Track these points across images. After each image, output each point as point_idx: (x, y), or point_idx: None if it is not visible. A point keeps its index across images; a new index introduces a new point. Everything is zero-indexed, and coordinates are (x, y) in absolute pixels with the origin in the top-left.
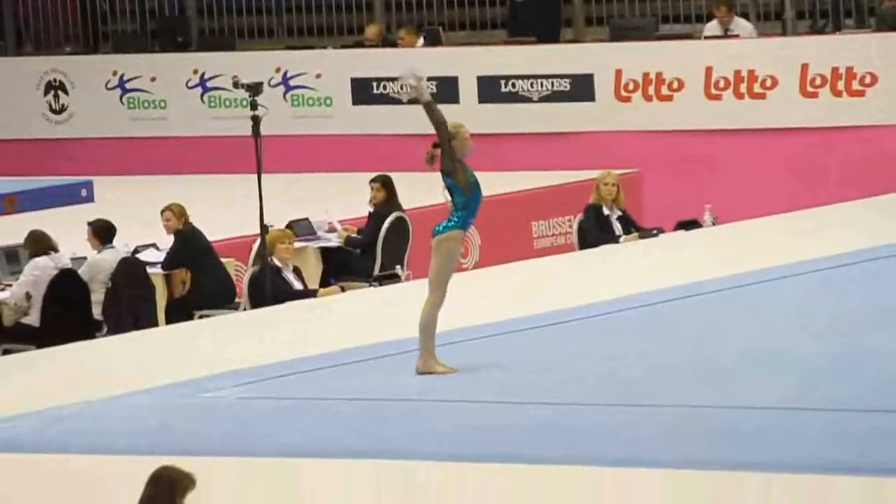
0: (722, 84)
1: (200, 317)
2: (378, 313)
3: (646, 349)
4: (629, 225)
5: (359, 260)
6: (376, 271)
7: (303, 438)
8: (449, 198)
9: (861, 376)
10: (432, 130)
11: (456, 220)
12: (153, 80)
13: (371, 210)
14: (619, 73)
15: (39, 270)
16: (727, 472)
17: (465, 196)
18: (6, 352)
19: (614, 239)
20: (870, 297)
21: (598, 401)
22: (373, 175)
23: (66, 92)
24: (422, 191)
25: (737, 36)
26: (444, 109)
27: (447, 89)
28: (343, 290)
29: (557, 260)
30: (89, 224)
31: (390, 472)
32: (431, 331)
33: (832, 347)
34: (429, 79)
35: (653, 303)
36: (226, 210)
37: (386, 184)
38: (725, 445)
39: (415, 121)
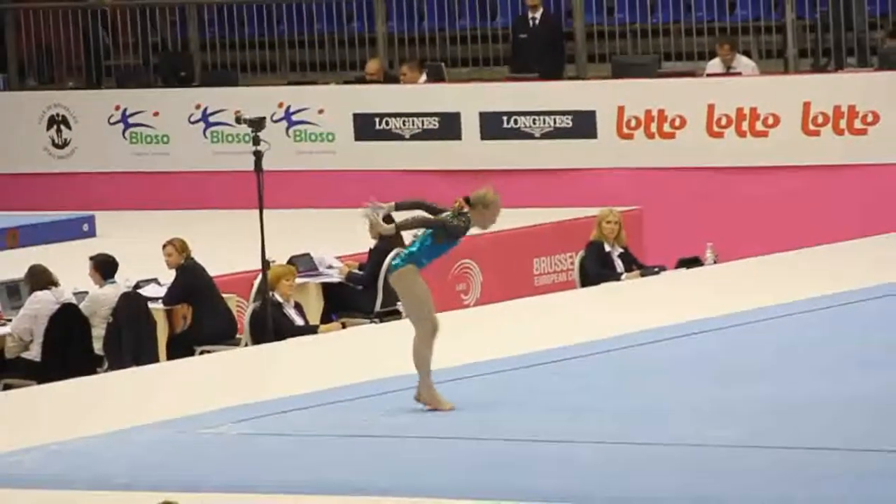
0: (724, 122)
1: (202, 352)
2: (379, 349)
3: (648, 386)
4: (631, 262)
5: (360, 296)
6: (377, 307)
7: (303, 475)
8: (417, 234)
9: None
10: (434, 166)
11: (409, 256)
12: (156, 114)
13: (372, 246)
14: (621, 110)
15: (40, 305)
16: None
17: (435, 242)
18: (7, 387)
19: (616, 276)
20: (873, 335)
21: (599, 438)
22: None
23: (68, 126)
24: None
25: (739, 74)
26: (447, 146)
27: (449, 125)
28: (344, 326)
29: (558, 297)
30: (91, 259)
31: None
32: (425, 366)
33: (837, 385)
34: (431, 115)
35: (655, 340)
36: (227, 245)
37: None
38: (735, 482)
39: (418, 156)
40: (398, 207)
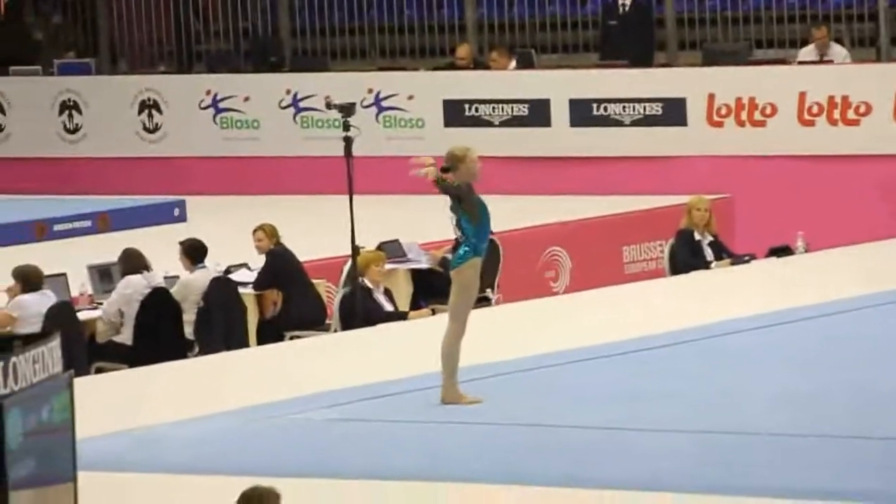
0: (815, 110)
1: (291, 338)
2: (468, 336)
3: (735, 375)
4: (721, 251)
5: (449, 283)
6: None
7: (390, 461)
8: (459, 232)
9: None
10: (523, 153)
11: (469, 248)
12: (246, 99)
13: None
14: (711, 97)
15: (132, 289)
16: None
17: (474, 224)
18: (99, 370)
19: (706, 265)
20: None
21: (680, 426)
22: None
23: (159, 111)
24: (512, 214)
25: (831, 61)
26: (536, 132)
27: (539, 112)
28: (434, 312)
29: (648, 285)
30: (181, 244)
31: (478, 495)
32: (453, 362)
33: None
34: (521, 101)
35: (746, 329)
36: (317, 231)
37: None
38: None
39: (507, 143)
40: (443, 169)
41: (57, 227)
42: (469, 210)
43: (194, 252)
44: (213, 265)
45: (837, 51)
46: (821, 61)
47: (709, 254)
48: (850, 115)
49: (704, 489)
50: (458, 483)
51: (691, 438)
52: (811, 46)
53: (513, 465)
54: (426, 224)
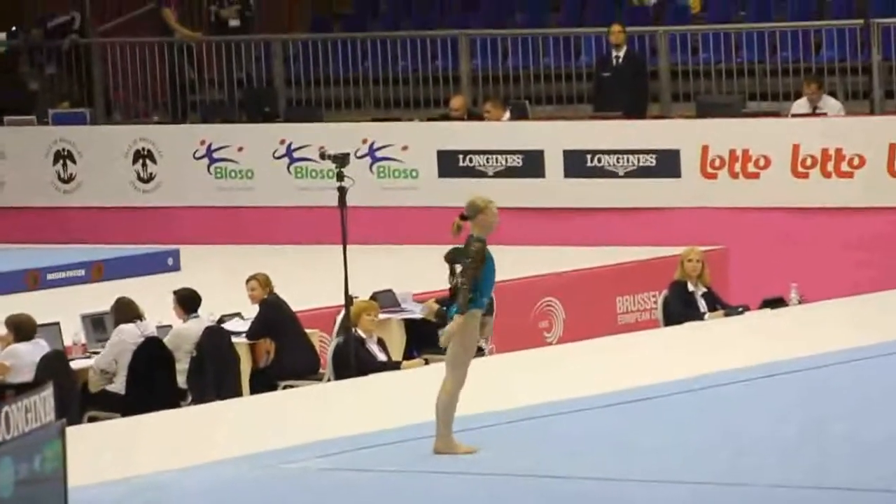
0: (809, 162)
1: (284, 387)
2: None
3: (734, 427)
4: (714, 302)
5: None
6: None
7: None
8: (458, 280)
9: None
10: (518, 204)
11: (472, 299)
12: (240, 149)
13: (452, 284)
14: (705, 149)
15: (125, 337)
16: None
17: (478, 279)
18: (91, 419)
19: (699, 316)
20: None
21: (681, 479)
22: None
23: (154, 161)
24: (506, 264)
25: (825, 114)
26: (530, 183)
27: (533, 163)
28: (427, 362)
29: (641, 336)
30: (174, 293)
31: None
32: (451, 412)
33: None
34: (514, 152)
35: (738, 380)
36: (311, 280)
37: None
38: None
39: (502, 194)
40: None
41: (50, 276)
42: (476, 276)
43: (188, 301)
44: (207, 315)
45: (831, 104)
46: (814, 114)
47: (702, 305)
48: (844, 167)
49: None
50: None
51: (685, 489)
52: (804, 99)
53: None
54: (420, 274)
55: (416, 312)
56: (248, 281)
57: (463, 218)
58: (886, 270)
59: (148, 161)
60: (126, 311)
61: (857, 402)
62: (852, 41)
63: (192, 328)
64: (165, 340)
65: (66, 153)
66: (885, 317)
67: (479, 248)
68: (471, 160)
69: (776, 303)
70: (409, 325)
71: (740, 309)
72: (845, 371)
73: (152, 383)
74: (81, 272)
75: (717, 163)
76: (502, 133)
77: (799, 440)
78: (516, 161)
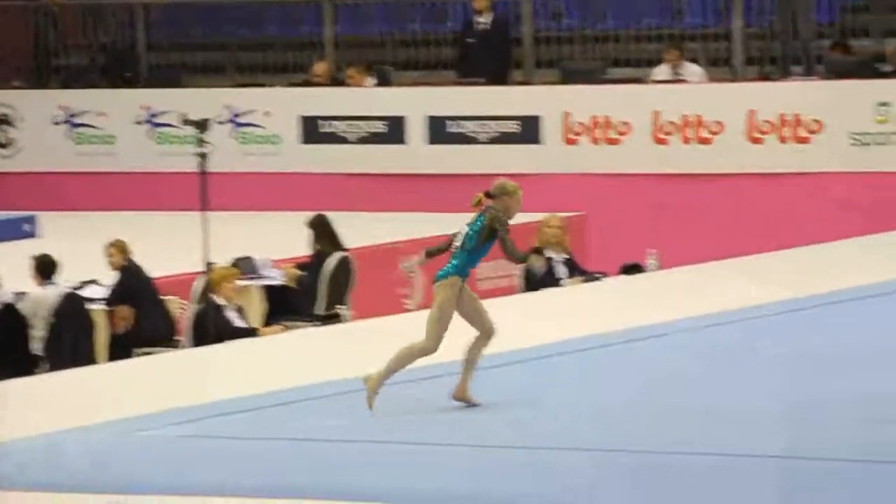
0: (669, 128)
1: (141, 354)
2: (320, 353)
3: (589, 392)
4: (574, 268)
5: (302, 300)
6: (320, 311)
7: (243, 478)
8: (458, 243)
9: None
10: (380, 170)
11: (456, 265)
12: (102, 115)
13: (314, 250)
14: (567, 115)
15: None
16: None
17: (471, 248)
18: None
19: (557, 282)
20: (806, 344)
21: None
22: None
23: (13, 126)
24: (368, 230)
25: (685, 80)
26: (393, 149)
27: (395, 129)
28: (286, 328)
29: (499, 302)
30: (32, 259)
31: None
32: (395, 371)
33: (759, 392)
34: (377, 119)
35: (594, 346)
36: (171, 247)
37: (318, 226)
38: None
39: (364, 160)
40: (428, 254)
41: None
42: (481, 241)
43: (44, 268)
44: (64, 281)
45: (692, 70)
46: (675, 80)
47: (562, 272)
48: (704, 133)
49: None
50: (308, 500)
51: (524, 454)
52: (665, 66)
53: (346, 478)
54: (281, 241)
55: (276, 279)
56: (106, 247)
57: (488, 195)
58: (746, 235)
59: (7, 126)
60: None
61: (707, 368)
62: (714, 8)
63: (49, 294)
64: (21, 307)
65: None
66: (739, 283)
67: (499, 217)
68: (333, 126)
69: (634, 269)
70: (269, 291)
71: (598, 275)
72: (698, 337)
73: (6, 350)
74: None
75: (579, 129)
76: (365, 99)
77: (644, 405)
78: (379, 127)
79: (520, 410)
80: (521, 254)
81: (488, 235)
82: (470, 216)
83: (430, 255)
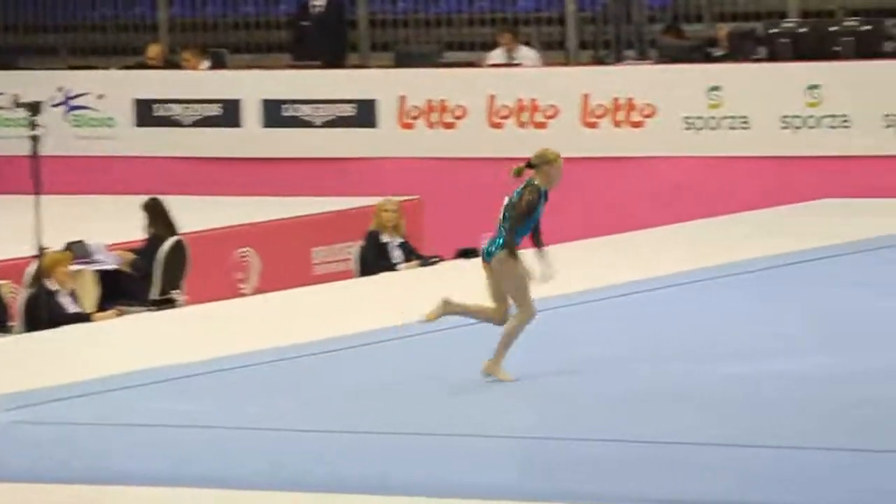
0: (504, 112)
1: None
2: (155, 338)
3: (429, 373)
4: (410, 252)
5: (136, 284)
6: (154, 295)
7: (79, 463)
8: (502, 219)
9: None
10: (215, 153)
11: (502, 245)
12: None
13: (148, 234)
14: (403, 99)
15: None
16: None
17: (519, 224)
18: None
19: (393, 266)
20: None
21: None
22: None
23: None
24: (202, 215)
25: (520, 64)
26: (228, 133)
27: (230, 112)
28: (120, 313)
29: (336, 286)
30: None
31: (148, 498)
32: (511, 340)
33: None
34: (212, 101)
35: (429, 331)
36: (2, 231)
37: (152, 209)
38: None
39: (198, 143)
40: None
41: None
42: (520, 214)
43: None
44: None
45: (526, 54)
46: (509, 64)
47: (397, 255)
48: (539, 117)
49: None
50: (147, 487)
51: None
52: (500, 49)
53: (185, 465)
54: (115, 225)
55: (110, 263)
56: None
57: (528, 165)
58: (580, 220)
59: None
60: None
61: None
62: None
63: None
64: None
65: None
66: (569, 268)
67: (531, 201)
68: (168, 109)
69: (469, 253)
70: (103, 276)
71: (434, 259)
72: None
73: None
74: None
75: (415, 113)
76: (200, 82)
77: (476, 390)
78: (214, 110)
79: (347, 396)
80: (511, 240)
81: (521, 217)
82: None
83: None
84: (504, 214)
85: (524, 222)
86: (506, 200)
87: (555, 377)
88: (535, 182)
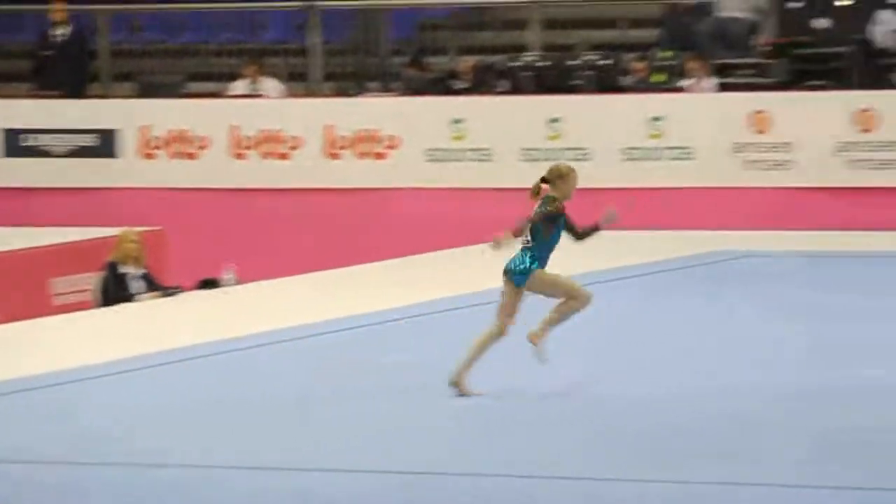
0: (247, 143)
1: None
2: None
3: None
4: (151, 283)
5: None
6: None
7: None
8: (528, 235)
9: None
10: (80, 184)
11: (535, 258)
12: None
13: None
14: (145, 129)
15: None
16: None
17: (545, 238)
18: None
19: (132, 297)
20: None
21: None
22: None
23: None
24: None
25: (263, 95)
26: None
27: None
28: None
29: (73, 318)
30: None
31: None
32: (562, 320)
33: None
34: None
35: (168, 362)
36: None
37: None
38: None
39: (66, 174)
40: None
41: None
42: (545, 228)
43: None
44: None
45: (271, 85)
46: (253, 95)
47: (138, 286)
48: (282, 148)
49: None
50: None
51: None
52: (244, 80)
53: None
54: None
55: None
56: None
57: (544, 181)
58: (324, 251)
59: None
60: None
61: (278, 385)
62: (292, 24)
63: None
64: None
65: None
66: (316, 299)
67: (552, 211)
68: None
69: (210, 283)
70: None
71: (175, 289)
72: (266, 353)
73: None
74: None
75: (157, 143)
76: None
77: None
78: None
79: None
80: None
81: (549, 223)
82: None
83: (515, 236)
84: (530, 234)
85: (549, 235)
86: (528, 224)
87: None
88: (553, 195)
